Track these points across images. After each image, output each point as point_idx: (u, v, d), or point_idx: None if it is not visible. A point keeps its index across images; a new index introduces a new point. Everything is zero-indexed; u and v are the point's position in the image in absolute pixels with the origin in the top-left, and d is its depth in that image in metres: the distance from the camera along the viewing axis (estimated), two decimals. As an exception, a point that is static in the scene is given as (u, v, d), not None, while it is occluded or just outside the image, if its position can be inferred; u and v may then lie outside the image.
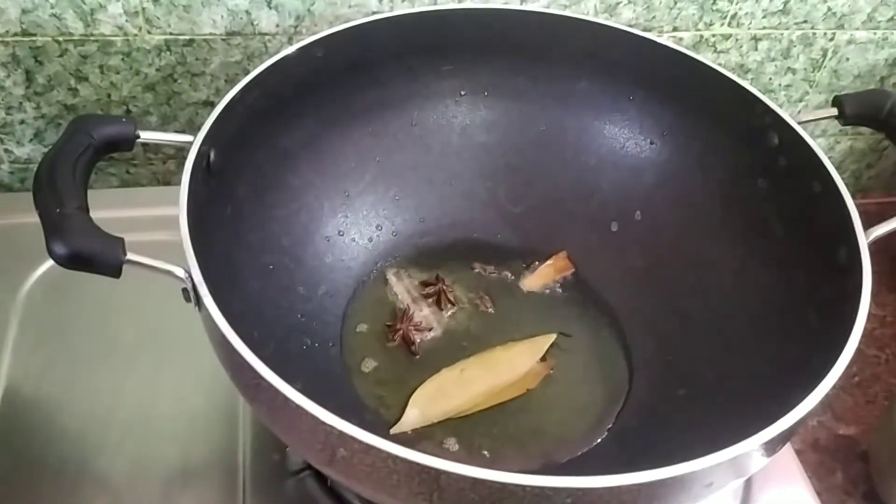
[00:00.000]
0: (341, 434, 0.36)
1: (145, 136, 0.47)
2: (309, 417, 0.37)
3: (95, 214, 0.74)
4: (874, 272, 0.46)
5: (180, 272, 0.42)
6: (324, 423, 0.36)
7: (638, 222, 0.62)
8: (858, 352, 0.43)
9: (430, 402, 0.54)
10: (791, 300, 0.51)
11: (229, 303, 0.48)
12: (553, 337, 0.58)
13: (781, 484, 0.57)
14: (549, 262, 0.63)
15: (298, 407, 0.37)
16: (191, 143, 0.47)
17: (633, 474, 0.35)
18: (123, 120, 0.46)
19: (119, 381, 0.59)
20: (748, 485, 0.56)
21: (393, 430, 0.53)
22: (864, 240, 0.46)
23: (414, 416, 0.53)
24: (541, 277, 0.62)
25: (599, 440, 0.53)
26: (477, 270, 0.63)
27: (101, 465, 0.55)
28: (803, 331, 0.49)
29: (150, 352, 0.60)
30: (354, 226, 0.61)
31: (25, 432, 0.56)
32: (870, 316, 0.44)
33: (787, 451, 0.58)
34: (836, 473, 0.76)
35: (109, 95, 0.72)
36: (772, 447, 0.40)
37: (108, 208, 0.72)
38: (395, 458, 0.35)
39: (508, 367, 0.56)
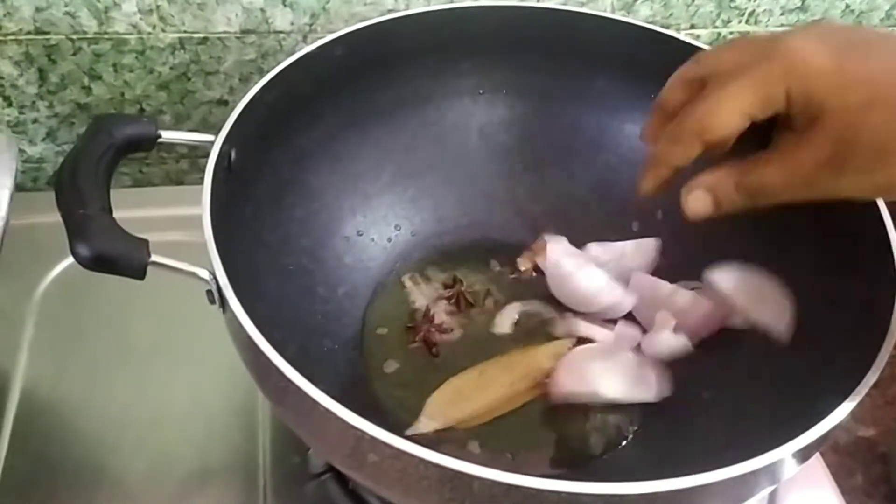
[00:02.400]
0: (372, 439, 0.35)
1: (167, 135, 0.47)
2: (338, 422, 0.36)
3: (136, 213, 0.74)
4: None
5: (205, 274, 0.41)
6: (354, 428, 0.36)
7: (660, 222, 0.61)
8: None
9: (447, 404, 0.53)
10: (820, 300, 0.50)
11: (252, 305, 0.47)
12: (573, 340, 0.58)
13: (807, 487, 0.56)
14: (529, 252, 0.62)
15: (327, 411, 0.36)
16: (212, 143, 0.47)
17: (669, 480, 0.35)
18: (144, 120, 0.46)
19: (136, 382, 0.58)
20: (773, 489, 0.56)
21: (408, 432, 0.52)
22: (894, 237, 0.46)
23: (429, 420, 0.53)
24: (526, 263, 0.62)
25: (624, 443, 0.53)
26: (497, 270, 0.62)
27: (119, 467, 0.54)
28: (833, 332, 0.48)
29: (167, 352, 0.59)
30: (373, 226, 0.61)
31: (42, 433, 0.56)
32: None
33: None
34: (855, 475, 0.75)
35: (123, 94, 0.71)
36: (807, 453, 0.40)
37: (122, 208, 0.72)
38: (427, 463, 0.35)
39: (528, 369, 0.55)
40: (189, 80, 0.72)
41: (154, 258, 0.40)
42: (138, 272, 0.40)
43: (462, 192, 0.63)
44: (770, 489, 0.51)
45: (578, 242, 0.62)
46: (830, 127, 0.38)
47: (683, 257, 0.59)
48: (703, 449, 0.49)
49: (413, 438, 0.49)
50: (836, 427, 0.40)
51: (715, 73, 0.42)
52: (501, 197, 0.64)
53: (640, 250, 0.60)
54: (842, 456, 0.77)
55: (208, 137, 0.47)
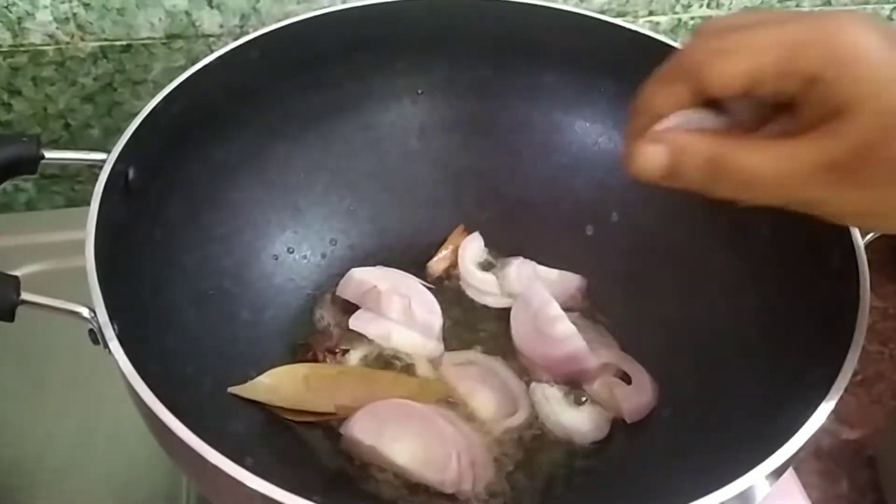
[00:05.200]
0: (264, 497, 0.31)
1: (51, 155, 0.43)
2: (227, 478, 0.32)
3: (37, 238, 0.70)
4: (873, 261, 0.43)
5: (86, 312, 0.37)
6: (244, 486, 0.32)
7: (615, 224, 0.57)
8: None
9: (289, 384, 0.49)
10: (783, 308, 0.47)
11: (157, 338, 0.44)
12: (441, 388, 0.52)
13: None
14: (448, 245, 0.58)
15: (215, 467, 0.32)
16: (104, 162, 0.42)
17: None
18: (24, 139, 0.42)
19: (51, 422, 0.54)
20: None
21: (231, 389, 0.47)
22: (860, 241, 0.42)
23: (264, 386, 0.48)
24: (446, 260, 0.58)
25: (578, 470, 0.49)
26: (445, 283, 0.58)
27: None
28: (798, 342, 0.45)
29: (85, 390, 0.55)
30: (306, 241, 0.57)
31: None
32: (871, 308, 0.41)
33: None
34: (841, 482, 0.72)
35: (46, 109, 0.67)
36: (776, 475, 0.37)
37: (54, 230, 0.68)
38: (328, 522, 0.31)
39: (386, 392, 0.50)
40: (115, 90, 0.67)
41: (25, 296, 0.36)
42: (5, 314, 0.36)
43: (403, 201, 0.59)
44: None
45: (526, 250, 0.57)
46: (859, 126, 0.31)
47: (639, 263, 0.55)
48: (665, 475, 0.45)
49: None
50: (801, 448, 0.36)
51: (734, 25, 0.34)
52: (446, 204, 0.60)
53: (561, 283, 0.56)
54: (825, 461, 0.73)
55: (99, 156, 0.43)
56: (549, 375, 0.51)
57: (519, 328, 0.53)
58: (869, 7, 0.77)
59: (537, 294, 0.53)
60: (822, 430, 0.37)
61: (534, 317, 0.52)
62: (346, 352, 0.52)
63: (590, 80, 0.58)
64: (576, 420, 0.50)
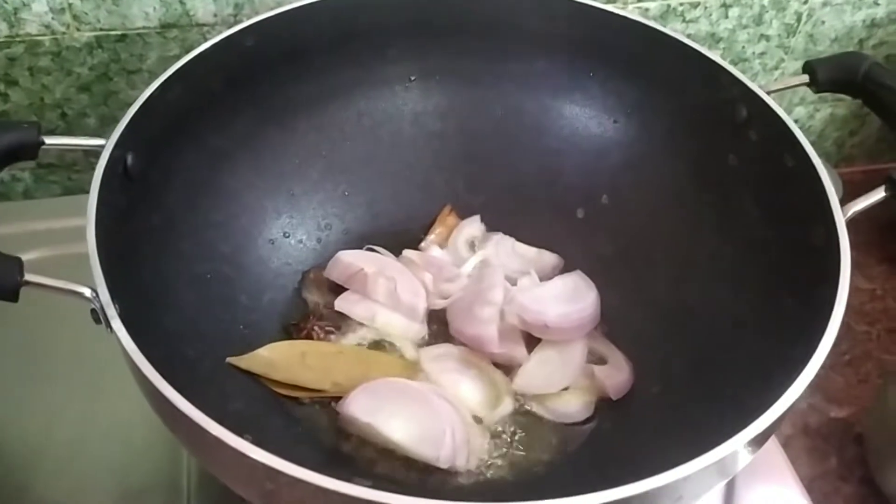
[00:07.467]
0: (265, 467, 0.32)
1: (51, 140, 0.43)
2: (229, 450, 0.33)
3: (35, 226, 0.70)
4: (861, 243, 0.43)
5: (87, 292, 0.38)
6: (246, 456, 0.33)
7: (605, 207, 0.58)
8: (848, 328, 0.40)
9: (286, 359, 0.49)
10: (767, 284, 0.48)
11: (157, 320, 0.44)
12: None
13: (766, 478, 0.54)
14: (436, 227, 0.59)
15: (217, 439, 0.33)
16: (102, 147, 0.43)
17: (613, 490, 0.32)
18: (25, 125, 0.42)
19: (54, 405, 0.55)
20: (730, 481, 0.53)
21: (229, 359, 0.48)
22: (841, 217, 0.43)
23: (262, 359, 0.48)
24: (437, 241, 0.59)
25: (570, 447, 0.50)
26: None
27: (39, 490, 0.52)
28: (781, 317, 0.46)
29: (86, 373, 0.56)
30: (301, 226, 0.57)
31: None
32: (859, 290, 0.42)
33: (770, 443, 0.54)
34: (829, 458, 0.73)
35: (42, 99, 0.68)
36: (756, 444, 0.38)
37: (50, 218, 0.69)
38: (326, 490, 0.32)
39: (382, 371, 0.51)
40: (111, 80, 0.68)
41: (28, 277, 0.37)
42: (10, 294, 0.37)
43: (397, 186, 0.60)
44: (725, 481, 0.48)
45: (518, 232, 0.59)
46: None
47: (629, 244, 0.56)
48: (656, 449, 0.46)
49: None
50: (780, 417, 0.37)
51: None
52: (440, 189, 0.60)
53: (538, 261, 0.58)
54: (814, 439, 0.74)
55: (98, 142, 0.44)
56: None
57: (459, 298, 0.54)
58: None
59: (491, 276, 0.54)
60: (810, 408, 0.38)
61: (476, 293, 0.53)
62: (338, 328, 0.53)
63: (580, 66, 0.59)
64: (560, 404, 0.51)
